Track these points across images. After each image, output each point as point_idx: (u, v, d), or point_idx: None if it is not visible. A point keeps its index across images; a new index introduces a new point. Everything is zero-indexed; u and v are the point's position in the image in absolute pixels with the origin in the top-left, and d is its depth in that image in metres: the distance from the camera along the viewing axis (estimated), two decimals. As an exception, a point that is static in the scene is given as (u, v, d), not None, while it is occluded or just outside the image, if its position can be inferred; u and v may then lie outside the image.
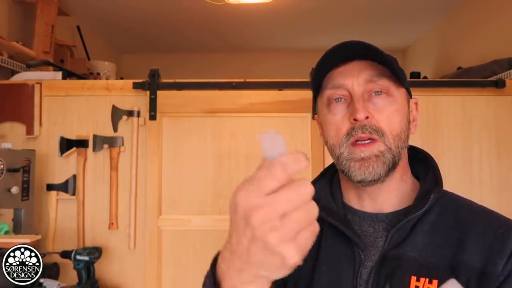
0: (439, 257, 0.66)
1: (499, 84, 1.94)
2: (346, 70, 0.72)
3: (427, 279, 0.64)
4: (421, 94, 1.94)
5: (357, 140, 0.70)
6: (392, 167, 0.71)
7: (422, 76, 2.90)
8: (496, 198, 1.90)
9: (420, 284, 0.64)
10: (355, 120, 0.69)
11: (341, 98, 0.72)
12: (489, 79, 2.07)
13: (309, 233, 0.43)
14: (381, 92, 0.71)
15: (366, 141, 0.70)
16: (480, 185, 1.92)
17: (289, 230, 0.41)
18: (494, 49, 2.44)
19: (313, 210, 0.43)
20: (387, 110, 0.71)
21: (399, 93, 0.73)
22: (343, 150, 0.71)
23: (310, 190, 0.42)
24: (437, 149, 1.93)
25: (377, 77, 0.71)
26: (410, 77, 2.87)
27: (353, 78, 0.71)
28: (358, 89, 0.71)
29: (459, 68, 2.64)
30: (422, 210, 0.69)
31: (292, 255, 0.41)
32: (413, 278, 0.65)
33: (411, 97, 0.78)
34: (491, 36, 2.59)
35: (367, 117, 0.69)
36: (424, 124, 1.94)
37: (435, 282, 0.64)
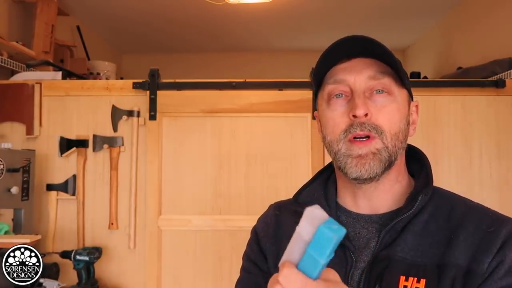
0: (428, 257, 0.67)
1: (499, 84, 1.94)
2: (349, 67, 0.72)
3: (415, 279, 0.65)
4: (421, 94, 1.94)
5: (355, 137, 0.70)
6: (388, 166, 0.71)
7: (422, 76, 2.90)
8: (496, 198, 1.90)
9: (409, 284, 0.65)
10: (354, 116, 0.69)
11: (341, 94, 0.72)
12: (489, 79, 2.07)
13: None
14: (382, 90, 0.71)
15: (363, 138, 0.69)
16: (480, 185, 1.92)
17: None
18: (494, 49, 2.44)
19: None
20: (388, 108, 0.71)
21: (400, 93, 0.73)
22: (341, 146, 0.71)
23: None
24: (437, 149, 1.93)
25: (381, 74, 0.71)
26: (410, 77, 2.87)
27: (356, 74, 0.71)
28: (360, 86, 0.71)
29: (459, 68, 2.64)
30: (410, 212, 0.69)
31: None
32: (402, 278, 0.66)
33: (412, 100, 0.78)
34: (491, 36, 2.58)
35: (366, 115, 0.69)
36: (424, 124, 1.94)
37: (423, 281, 0.65)
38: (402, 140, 0.72)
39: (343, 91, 0.72)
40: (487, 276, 0.63)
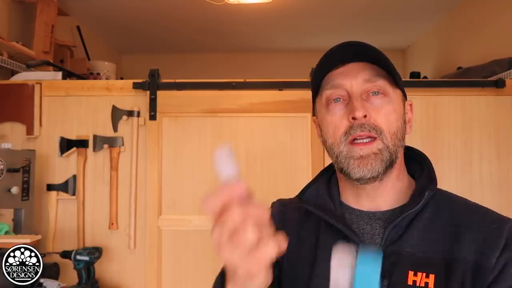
0: (434, 252, 0.68)
1: (499, 84, 1.94)
2: (345, 71, 0.75)
3: (424, 274, 0.67)
4: (421, 94, 1.94)
5: (356, 139, 0.72)
6: (389, 165, 0.73)
7: (422, 76, 2.90)
8: (496, 198, 1.90)
9: (418, 279, 0.67)
10: (353, 118, 0.71)
11: (339, 98, 0.74)
12: (489, 79, 2.07)
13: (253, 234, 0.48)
14: (378, 92, 0.73)
15: (365, 140, 0.72)
16: (480, 185, 1.92)
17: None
18: (494, 49, 2.44)
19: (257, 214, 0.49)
20: (384, 109, 0.73)
21: (395, 94, 0.75)
22: (342, 149, 0.73)
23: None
24: (437, 149, 1.93)
25: (375, 77, 0.73)
26: (410, 77, 2.87)
27: (352, 79, 0.74)
28: (356, 89, 0.73)
29: (459, 68, 2.64)
30: (417, 207, 0.71)
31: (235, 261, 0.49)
32: (411, 273, 0.67)
33: (406, 99, 0.80)
34: (491, 36, 2.59)
35: (365, 116, 0.71)
36: (424, 124, 1.94)
37: (431, 276, 0.66)
38: (401, 138, 0.75)
39: (340, 96, 0.74)
40: (497, 274, 0.64)
